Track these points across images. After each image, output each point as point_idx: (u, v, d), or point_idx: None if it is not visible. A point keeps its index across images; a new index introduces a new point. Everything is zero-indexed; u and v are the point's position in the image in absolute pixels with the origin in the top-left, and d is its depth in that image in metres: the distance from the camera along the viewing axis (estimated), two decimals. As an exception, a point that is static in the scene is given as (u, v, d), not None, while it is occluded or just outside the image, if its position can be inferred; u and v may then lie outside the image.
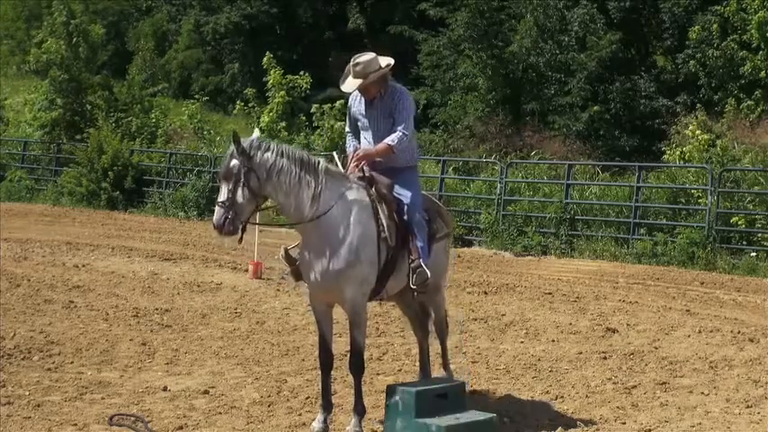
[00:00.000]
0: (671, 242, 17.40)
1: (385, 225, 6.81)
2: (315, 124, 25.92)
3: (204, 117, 30.25)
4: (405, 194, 7.09)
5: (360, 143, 7.31)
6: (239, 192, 6.55)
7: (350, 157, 7.20)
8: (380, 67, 7.06)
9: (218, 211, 6.62)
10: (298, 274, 7.04)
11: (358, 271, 6.68)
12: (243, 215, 6.61)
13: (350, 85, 7.08)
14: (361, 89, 7.10)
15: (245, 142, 6.68)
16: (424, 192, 7.60)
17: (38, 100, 29.56)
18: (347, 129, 7.52)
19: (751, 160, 19.03)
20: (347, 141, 7.51)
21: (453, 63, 30.18)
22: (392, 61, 7.16)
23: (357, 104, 7.29)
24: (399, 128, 7.04)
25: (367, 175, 6.98)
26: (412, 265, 6.92)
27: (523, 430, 7.07)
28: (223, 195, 6.59)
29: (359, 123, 7.30)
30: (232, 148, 6.65)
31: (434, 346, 8.03)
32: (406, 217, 7.00)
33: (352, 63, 7.05)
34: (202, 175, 24.83)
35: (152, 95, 29.39)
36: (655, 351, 9.67)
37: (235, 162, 6.58)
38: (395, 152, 7.04)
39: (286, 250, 7.12)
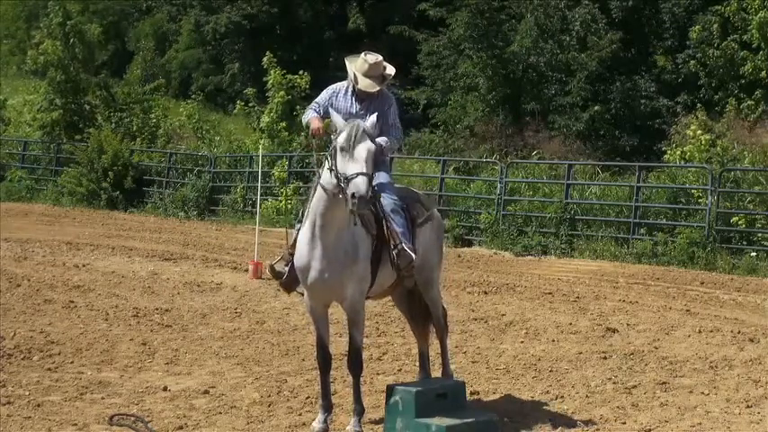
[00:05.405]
0: (671, 242, 17.40)
1: (364, 215, 6.75)
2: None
3: (204, 117, 30.26)
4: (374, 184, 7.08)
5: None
6: None
7: (312, 124, 7.02)
8: (385, 68, 7.15)
9: None
10: (288, 286, 7.07)
11: (358, 268, 6.68)
12: None
13: (368, 85, 7.08)
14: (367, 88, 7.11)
15: None
16: (418, 188, 7.59)
17: (37, 101, 29.57)
18: (313, 105, 7.25)
19: (751, 160, 19.04)
20: (308, 112, 7.24)
21: (453, 63, 30.15)
22: (392, 69, 7.25)
23: (343, 98, 7.23)
24: (394, 135, 7.16)
25: None
26: (394, 250, 6.88)
27: (523, 430, 7.06)
28: None
29: (372, 118, 7.18)
30: None
31: (434, 346, 8.03)
32: (379, 205, 6.95)
33: (366, 63, 7.05)
34: (202, 175, 24.86)
35: (150, 93, 29.37)
36: (655, 351, 9.67)
37: None
38: (384, 154, 7.13)
39: (271, 266, 7.15)
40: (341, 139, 6.43)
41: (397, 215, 7.00)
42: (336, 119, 6.68)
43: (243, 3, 42.02)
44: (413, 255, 6.91)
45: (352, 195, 6.20)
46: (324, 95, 7.31)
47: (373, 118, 6.74)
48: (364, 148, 6.39)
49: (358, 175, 6.26)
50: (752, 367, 8.99)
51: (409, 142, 26.87)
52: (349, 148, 6.36)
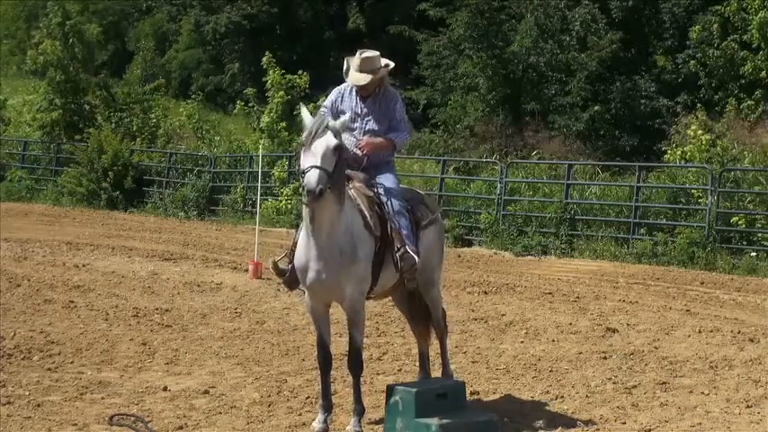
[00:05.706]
0: (671, 242, 17.40)
1: (368, 216, 6.81)
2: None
3: (204, 117, 30.26)
4: (379, 185, 7.13)
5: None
6: None
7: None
8: (384, 65, 7.19)
9: None
10: (290, 284, 7.08)
11: (357, 268, 6.69)
12: None
13: (359, 78, 7.13)
14: (363, 84, 7.13)
15: None
16: (419, 188, 7.62)
17: (37, 101, 29.57)
18: (323, 110, 7.29)
19: (751, 160, 19.04)
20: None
21: (453, 63, 30.15)
22: (391, 63, 7.30)
23: (348, 99, 7.29)
24: (404, 130, 7.26)
25: (365, 164, 7.07)
26: (398, 253, 6.90)
27: (523, 430, 7.07)
28: None
29: (344, 117, 7.20)
30: None
31: (434, 346, 8.03)
32: (385, 206, 6.99)
33: (359, 58, 7.12)
34: (202, 175, 24.86)
35: (150, 93, 29.37)
36: (655, 351, 9.67)
37: None
38: (395, 149, 7.27)
39: (274, 263, 7.15)
40: (303, 135, 6.50)
41: (402, 217, 7.03)
42: (305, 116, 6.70)
43: (243, 3, 42.02)
44: (416, 257, 6.93)
45: (303, 188, 6.26)
46: (331, 97, 7.38)
47: (345, 117, 6.78)
48: (322, 142, 6.41)
49: (311, 168, 6.30)
50: (752, 367, 8.99)
51: (409, 142, 26.88)
52: (308, 143, 6.41)
